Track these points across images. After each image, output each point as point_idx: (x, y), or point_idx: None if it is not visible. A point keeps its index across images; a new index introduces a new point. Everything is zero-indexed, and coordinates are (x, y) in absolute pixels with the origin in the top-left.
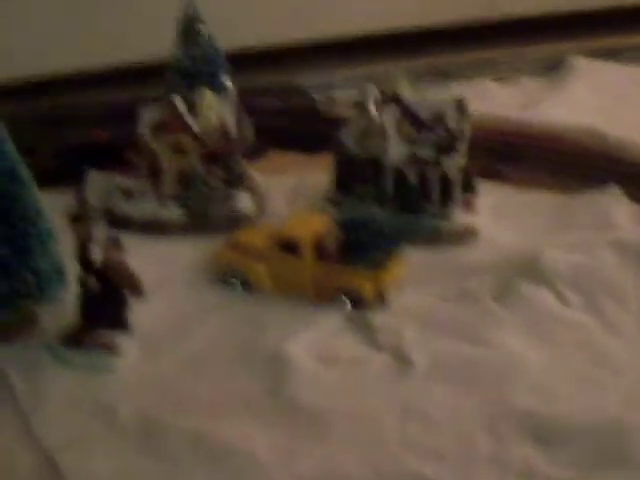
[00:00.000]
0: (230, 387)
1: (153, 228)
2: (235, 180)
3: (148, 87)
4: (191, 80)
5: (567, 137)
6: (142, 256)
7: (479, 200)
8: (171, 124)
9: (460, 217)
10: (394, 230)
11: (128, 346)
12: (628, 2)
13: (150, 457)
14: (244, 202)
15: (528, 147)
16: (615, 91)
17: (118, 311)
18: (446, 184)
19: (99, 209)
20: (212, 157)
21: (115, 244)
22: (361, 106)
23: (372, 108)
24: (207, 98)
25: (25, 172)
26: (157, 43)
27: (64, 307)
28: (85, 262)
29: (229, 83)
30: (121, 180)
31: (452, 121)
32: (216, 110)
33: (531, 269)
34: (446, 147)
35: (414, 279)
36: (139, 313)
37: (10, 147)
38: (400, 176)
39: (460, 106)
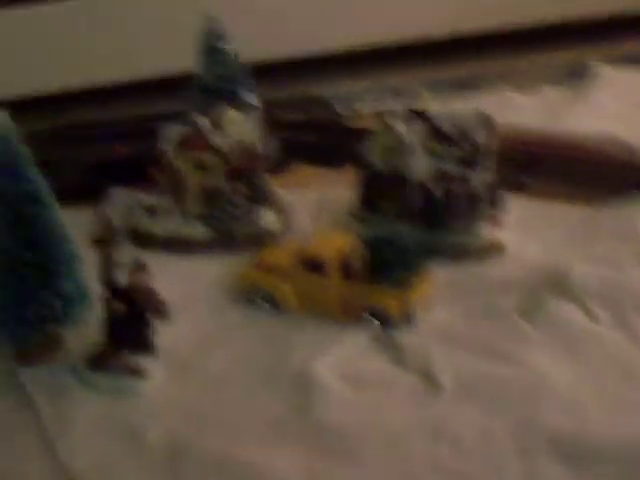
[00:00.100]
0: (255, 408)
1: (177, 246)
2: (259, 197)
3: (169, 102)
4: (214, 97)
5: (590, 146)
6: (166, 274)
7: (506, 214)
8: (194, 141)
9: (486, 232)
10: (420, 247)
11: (153, 368)
12: None
13: None
14: (268, 219)
15: (551, 157)
16: (638, 98)
17: (143, 333)
18: (472, 199)
19: (122, 227)
20: (236, 174)
21: (139, 266)
22: (386, 121)
23: (397, 123)
24: (230, 115)
25: (48, 194)
26: (178, 57)
27: (89, 329)
28: (110, 284)
29: (252, 99)
30: (144, 197)
31: (478, 136)
32: (239, 127)
33: (558, 284)
34: (472, 162)
35: (441, 296)
36: (164, 334)
37: (32, 170)
38: (425, 192)
39: (485, 120)
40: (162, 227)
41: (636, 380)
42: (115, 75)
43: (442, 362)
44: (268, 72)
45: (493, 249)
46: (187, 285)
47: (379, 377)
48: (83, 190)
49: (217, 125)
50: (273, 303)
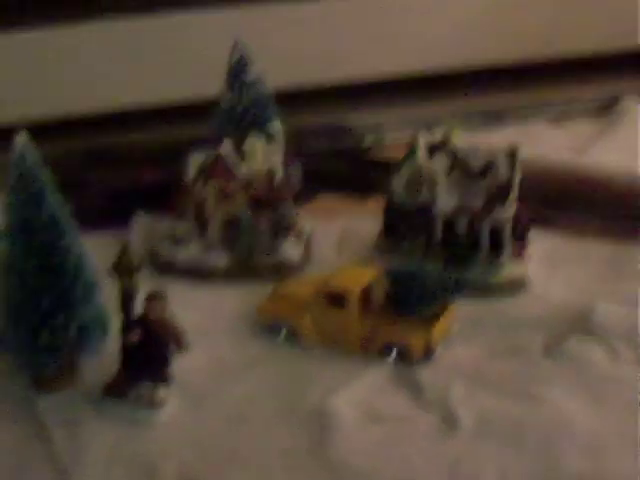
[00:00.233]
0: (272, 443)
1: (198, 274)
2: (282, 227)
3: (197, 128)
4: (239, 124)
5: (619, 182)
6: (186, 303)
7: (530, 249)
8: (218, 169)
9: (510, 268)
10: (443, 282)
11: (169, 398)
12: None
13: None
14: (291, 249)
15: (579, 193)
16: None
17: (160, 364)
18: (496, 234)
19: (144, 253)
20: (259, 203)
21: (158, 294)
22: (411, 152)
23: (422, 155)
24: (255, 143)
25: (67, 220)
26: (205, 84)
27: (105, 358)
28: (128, 313)
29: (277, 127)
30: (167, 224)
31: (503, 170)
32: (264, 155)
33: (582, 323)
34: (496, 196)
35: (463, 332)
36: (181, 364)
37: (51, 195)
38: (449, 225)
39: (511, 154)
40: (184, 255)
41: None
42: (142, 100)
43: (462, 399)
44: (294, 100)
45: (517, 285)
46: (206, 314)
47: (398, 413)
48: (107, 215)
49: (241, 153)
50: (293, 335)
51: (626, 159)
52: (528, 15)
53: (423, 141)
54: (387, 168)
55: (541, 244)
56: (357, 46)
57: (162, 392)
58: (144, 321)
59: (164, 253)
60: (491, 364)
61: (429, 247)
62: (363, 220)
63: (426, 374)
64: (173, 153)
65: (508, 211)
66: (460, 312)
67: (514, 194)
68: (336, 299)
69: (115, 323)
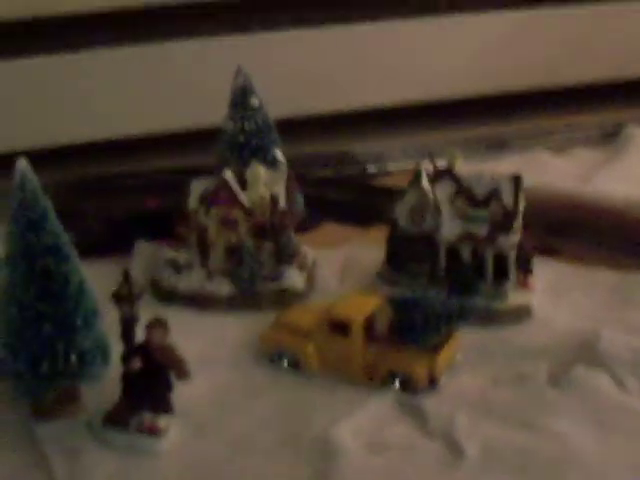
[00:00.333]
0: (275, 472)
1: (200, 302)
2: (285, 255)
3: (199, 155)
4: (242, 152)
5: (623, 210)
6: (188, 331)
7: (535, 277)
8: (221, 197)
9: (515, 296)
10: (447, 310)
11: (171, 427)
12: None
13: None
14: (294, 278)
15: (583, 221)
16: None
17: (161, 391)
18: (500, 262)
19: (145, 281)
20: (262, 231)
21: (159, 322)
22: (414, 180)
23: (425, 183)
24: (258, 171)
25: (68, 247)
26: (208, 111)
27: (106, 386)
28: (129, 341)
29: (280, 156)
30: (169, 252)
31: (507, 197)
32: (267, 183)
33: (588, 352)
34: (501, 224)
35: (467, 361)
36: (183, 392)
37: (53, 223)
38: (453, 253)
39: (516, 182)
40: (185, 283)
41: None
42: (144, 128)
43: (467, 429)
44: (297, 128)
45: (522, 313)
46: (209, 343)
47: (402, 443)
48: (109, 242)
49: (243, 181)
50: (296, 364)
51: (631, 187)
52: (531, 44)
53: (427, 169)
54: (391, 196)
55: (546, 272)
56: (360, 75)
57: (164, 421)
58: (145, 349)
59: (166, 281)
60: (496, 393)
61: (433, 275)
62: (366, 248)
63: (430, 403)
64: (175, 181)
65: (512, 238)
66: (465, 340)
67: (518, 221)
68: (339, 327)
69: (116, 351)
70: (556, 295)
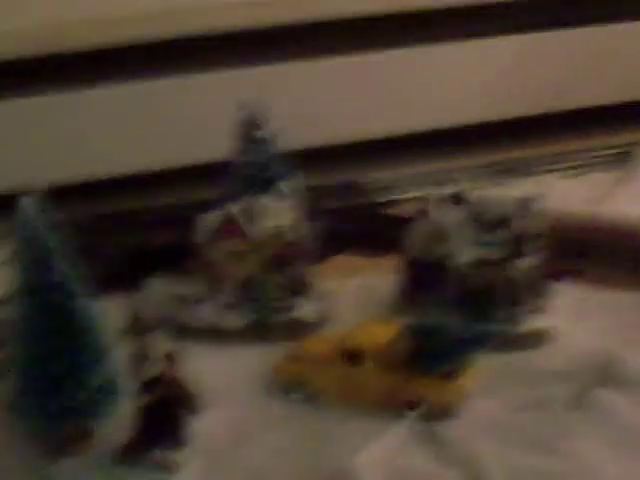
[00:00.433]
0: None
1: (212, 336)
2: (296, 287)
3: (208, 189)
4: (250, 186)
5: None
6: (201, 365)
7: (552, 300)
8: (229, 230)
9: (531, 320)
10: (463, 336)
11: (185, 462)
12: None
13: None
14: (306, 309)
15: (602, 243)
16: None
17: (174, 427)
18: (514, 287)
19: (157, 317)
20: (272, 263)
21: (171, 357)
22: (426, 208)
23: (437, 209)
24: (267, 203)
25: (76, 283)
26: (216, 145)
27: (117, 423)
28: (141, 377)
29: (289, 189)
30: (179, 286)
31: (519, 222)
32: (276, 215)
33: (609, 374)
34: (513, 249)
35: (485, 387)
36: (198, 426)
37: (59, 261)
38: (466, 280)
39: (527, 206)
40: (197, 317)
41: None
42: (152, 163)
43: (487, 456)
44: (307, 159)
45: (541, 337)
46: (222, 376)
47: (422, 471)
48: (119, 278)
49: (253, 213)
50: (311, 396)
51: None
52: (540, 67)
53: (437, 196)
54: (402, 224)
55: (565, 296)
56: (368, 104)
57: (178, 456)
58: (158, 383)
59: (178, 315)
60: (515, 419)
61: (448, 302)
62: (380, 278)
63: (450, 430)
64: (184, 215)
65: (525, 262)
66: (483, 366)
67: (532, 245)
68: (353, 356)
69: (127, 387)
70: (576, 317)
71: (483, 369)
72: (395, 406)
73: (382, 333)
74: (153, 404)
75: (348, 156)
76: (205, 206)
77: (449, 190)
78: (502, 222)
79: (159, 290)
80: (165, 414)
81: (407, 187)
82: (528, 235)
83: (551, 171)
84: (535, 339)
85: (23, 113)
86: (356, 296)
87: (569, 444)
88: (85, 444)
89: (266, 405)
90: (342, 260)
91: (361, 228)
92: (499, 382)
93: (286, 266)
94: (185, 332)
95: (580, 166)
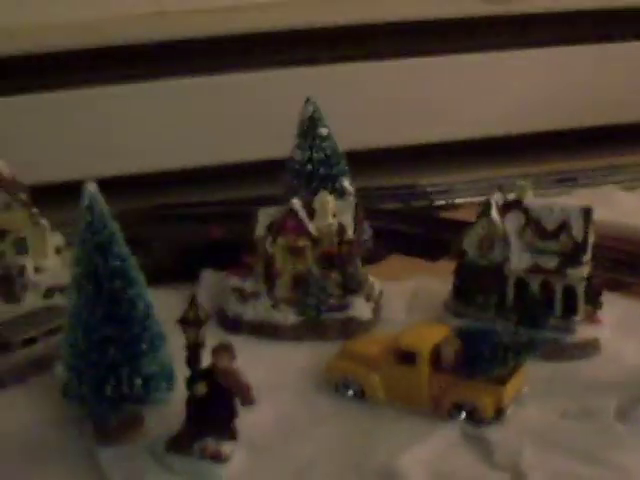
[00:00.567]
0: None
1: (265, 331)
2: (351, 285)
3: (267, 185)
4: (310, 182)
5: None
6: (253, 359)
7: (604, 312)
8: (287, 226)
9: (584, 330)
10: (515, 342)
11: (234, 453)
12: None
13: None
14: (360, 308)
15: None
16: None
17: (226, 417)
18: (569, 295)
19: (211, 310)
20: (329, 261)
21: (225, 348)
22: (483, 212)
23: (495, 215)
24: (326, 200)
25: (135, 271)
26: (276, 141)
27: (170, 410)
28: (195, 366)
29: (349, 186)
30: (235, 280)
31: (577, 230)
32: (335, 213)
33: None
34: (570, 257)
35: (534, 394)
36: (247, 418)
37: (120, 247)
38: (522, 286)
39: (586, 215)
40: (251, 311)
41: None
42: (213, 159)
43: (532, 461)
44: (366, 160)
45: (590, 347)
46: (273, 371)
47: (467, 474)
48: (176, 270)
49: (311, 210)
50: (361, 394)
51: None
52: (604, 79)
53: (496, 201)
54: (459, 229)
55: (616, 308)
56: (430, 109)
57: (227, 447)
58: (211, 374)
59: (231, 310)
60: (563, 426)
61: (501, 307)
62: (434, 280)
63: (496, 435)
64: (241, 211)
65: (582, 271)
66: (532, 373)
67: (588, 254)
68: (406, 357)
69: (181, 376)
70: (625, 330)
71: (532, 375)
72: (444, 408)
73: (434, 335)
74: (205, 394)
75: (407, 159)
76: (263, 202)
77: (510, 196)
78: (561, 230)
79: (214, 284)
80: (217, 405)
81: (465, 192)
82: (586, 244)
83: (609, 183)
84: (585, 349)
85: (81, 105)
86: (410, 297)
87: (615, 456)
88: (137, 431)
89: (316, 401)
90: (397, 261)
91: (417, 231)
92: (548, 389)
93: (342, 264)
94: (238, 326)
95: (638, 179)
